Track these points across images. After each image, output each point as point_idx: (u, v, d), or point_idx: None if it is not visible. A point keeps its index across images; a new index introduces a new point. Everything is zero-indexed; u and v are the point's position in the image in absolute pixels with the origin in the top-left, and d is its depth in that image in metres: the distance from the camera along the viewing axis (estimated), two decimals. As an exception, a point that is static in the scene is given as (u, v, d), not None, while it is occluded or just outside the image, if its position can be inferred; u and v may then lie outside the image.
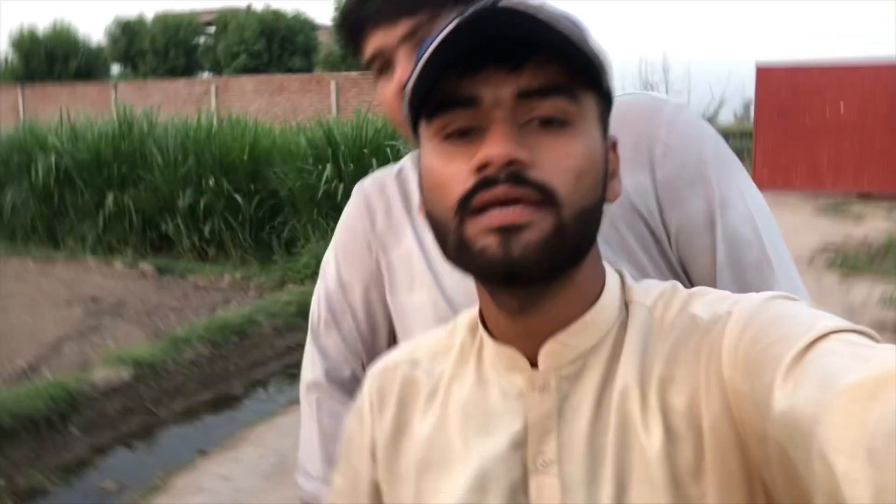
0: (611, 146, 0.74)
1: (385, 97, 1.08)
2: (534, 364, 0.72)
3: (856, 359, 0.54)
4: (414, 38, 1.01)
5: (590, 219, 0.68)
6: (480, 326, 0.78)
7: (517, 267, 0.64)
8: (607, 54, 0.69)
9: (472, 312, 0.81)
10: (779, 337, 0.60)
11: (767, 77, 14.40)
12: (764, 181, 14.73)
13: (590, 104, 0.69)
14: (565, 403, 0.71)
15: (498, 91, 0.65)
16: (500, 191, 0.64)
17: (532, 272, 0.65)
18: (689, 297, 0.72)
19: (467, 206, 0.65)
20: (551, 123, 0.66)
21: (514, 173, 0.64)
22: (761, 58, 14.99)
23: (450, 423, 0.76)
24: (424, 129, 0.70)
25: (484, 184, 0.64)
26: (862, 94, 13.86)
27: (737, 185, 1.01)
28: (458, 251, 0.67)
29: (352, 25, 1.07)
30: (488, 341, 0.76)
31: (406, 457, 0.79)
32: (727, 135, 32.96)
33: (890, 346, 0.56)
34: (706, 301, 0.71)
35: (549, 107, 0.66)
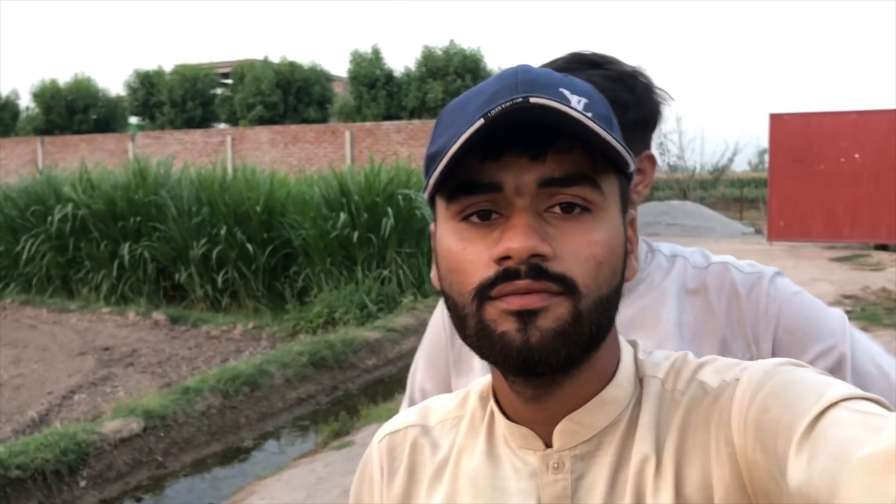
0: (629, 222, 0.73)
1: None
2: (547, 443, 0.71)
3: (868, 428, 0.53)
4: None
5: (608, 305, 0.67)
6: (493, 402, 0.76)
7: (535, 354, 0.64)
8: (631, 155, 0.69)
9: (484, 382, 0.79)
10: (789, 404, 0.59)
11: (781, 125, 14.43)
12: (780, 230, 14.68)
13: (612, 188, 0.68)
14: (580, 483, 0.70)
15: (519, 178, 0.65)
16: (521, 284, 0.63)
17: (550, 361, 0.64)
18: (698, 365, 0.72)
19: (486, 294, 0.65)
20: (573, 209, 0.66)
21: (536, 266, 0.63)
22: (776, 108, 15.05)
23: (460, 497, 0.75)
24: (442, 207, 0.69)
25: (505, 276, 0.64)
26: (876, 141, 13.85)
27: (843, 334, 1.09)
28: (478, 335, 0.66)
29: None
30: (501, 418, 0.75)
31: None
32: (742, 183, 32.99)
33: None
34: (715, 368, 0.70)
35: (571, 195, 0.65)
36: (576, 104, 0.64)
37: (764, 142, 16.11)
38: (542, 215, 0.65)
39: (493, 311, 0.64)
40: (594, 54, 1.13)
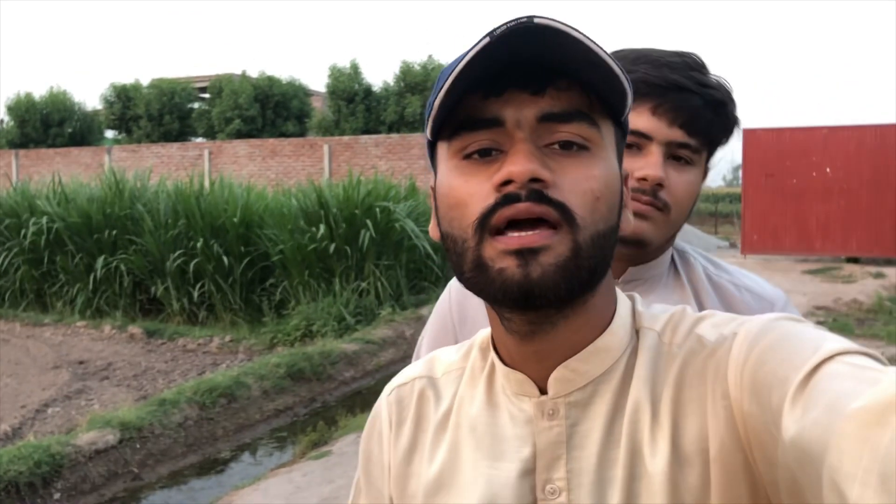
0: (625, 178, 0.75)
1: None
2: (543, 390, 0.72)
3: (863, 382, 0.53)
4: None
5: (605, 243, 0.68)
6: (492, 349, 0.78)
7: (536, 288, 0.64)
8: (630, 85, 0.70)
9: (485, 334, 0.80)
10: (785, 357, 0.60)
11: (754, 139, 14.62)
12: (754, 244, 14.84)
13: (608, 132, 0.70)
14: (574, 430, 0.71)
15: (520, 113, 0.66)
16: (521, 207, 0.64)
17: (549, 295, 0.65)
18: (696, 319, 0.72)
19: (487, 224, 0.65)
20: (571, 147, 0.67)
21: (536, 191, 0.64)
22: (750, 123, 15.26)
23: (461, 446, 0.76)
24: (444, 149, 0.71)
25: (506, 200, 0.65)
26: (846, 156, 14.08)
27: None
28: (475, 271, 0.67)
29: None
30: (499, 365, 0.76)
31: (417, 477, 0.79)
32: (717, 198, 33.24)
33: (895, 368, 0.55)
34: (713, 322, 0.71)
35: (570, 131, 0.67)
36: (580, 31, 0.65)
37: (738, 158, 16.30)
38: (543, 149, 0.67)
39: (491, 250, 0.65)
40: (698, 64, 1.13)
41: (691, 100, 1.09)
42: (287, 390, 6.84)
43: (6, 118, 26.17)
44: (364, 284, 9.36)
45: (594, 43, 0.64)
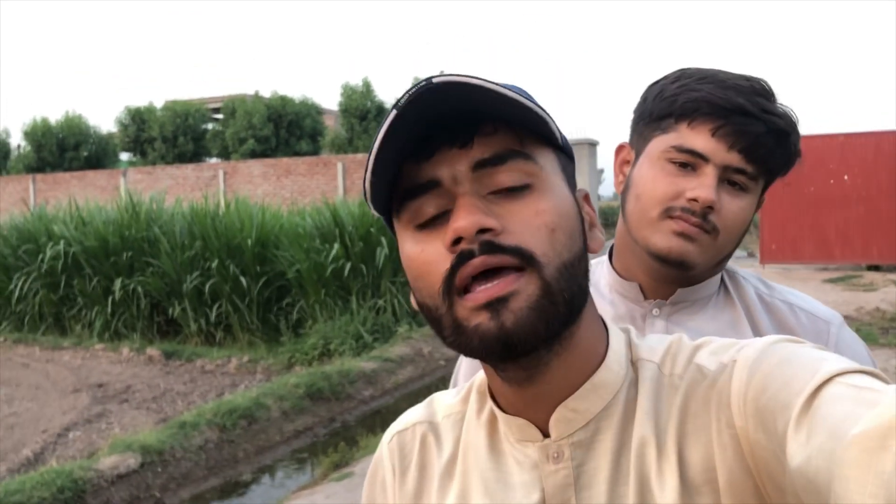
0: (583, 198, 0.74)
1: None
2: (546, 433, 0.71)
3: (862, 404, 0.53)
4: None
5: (575, 271, 0.67)
6: (489, 398, 0.77)
7: (514, 336, 0.63)
8: (548, 112, 0.71)
9: (482, 377, 0.79)
10: (785, 382, 0.60)
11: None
12: (773, 253, 14.73)
13: (548, 160, 0.69)
14: (581, 471, 0.70)
15: (454, 169, 0.66)
16: (477, 262, 0.64)
17: (529, 339, 0.64)
18: (694, 347, 0.72)
19: (452, 287, 0.65)
20: (514, 190, 0.66)
21: (487, 242, 0.64)
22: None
23: (470, 493, 0.76)
24: (398, 223, 0.71)
25: (461, 259, 0.64)
26: (864, 163, 13.96)
27: None
28: (454, 335, 0.67)
29: None
30: (498, 413, 0.75)
31: None
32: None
33: (894, 387, 0.55)
34: (711, 350, 0.70)
35: (507, 172, 0.66)
36: (496, 87, 0.65)
37: (753, 166, 16.18)
38: (487, 198, 0.66)
39: (463, 310, 0.65)
40: (765, 90, 1.10)
41: (754, 126, 1.05)
42: (307, 410, 6.81)
43: (23, 143, 26.44)
44: (381, 302, 9.34)
45: (496, 85, 0.63)
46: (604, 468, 0.69)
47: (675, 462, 0.66)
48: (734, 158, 1.06)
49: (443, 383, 7.65)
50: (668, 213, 1.08)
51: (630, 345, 0.74)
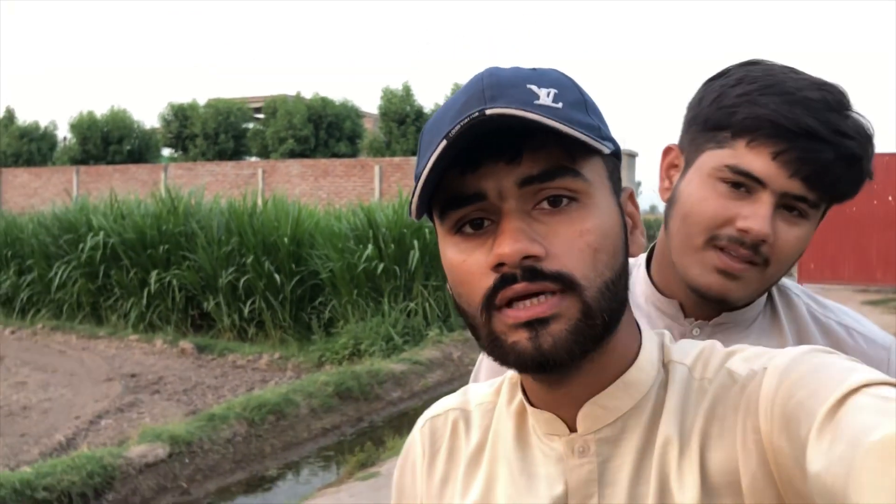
0: (628, 197, 0.73)
1: None
2: (573, 428, 0.72)
3: (885, 414, 0.53)
4: None
5: (616, 287, 0.68)
6: (520, 390, 0.77)
7: (549, 359, 0.65)
8: (600, 116, 0.70)
9: (514, 373, 0.80)
10: (813, 390, 0.60)
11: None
12: (811, 273, 14.49)
13: (596, 171, 0.69)
14: (606, 467, 0.71)
15: (500, 184, 0.65)
16: (518, 288, 0.64)
17: (564, 360, 0.65)
18: (727, 353, 0.72)
19: (492, 304, 0.66)
20: (560, 202, 0.66)
21: (529, 268, 0.64)
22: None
23: (496, 481, 0.76)
24: (439, 225, 0.71)
25: (503, 282, 0.65)
26: (909, 184, 13.68)
27: None
28: (490, 345, 0.68)
29: None
30: (527, 406, 0.76)
31: None
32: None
33: None
34: (744, 357, 0.70)
35: (555, 189, 0.66)
36: (545, 98, 0.66)
37: (794, 183, 15.93)
38: (531, 214, 0.66)
39: (500, 324, 0.66)
40: (840, 93, 0.98)
41: (823, 152, 0.94)
42: (335, 409, 6.83)
43: (69, 135, 26.96)
44: (412, 305, 9.36)
45: (549, 119, 0.62)
46: (627, 466, 0.69)
47: (697, 463, 0.66)
48: (795, 186, 0.95)
49: (471, 388, 7.63)
50: (713, 242, 0.97)
51: (662, 347, 0.75)
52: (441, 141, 0.63)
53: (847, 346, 1.06)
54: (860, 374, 0.59)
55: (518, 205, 0.65)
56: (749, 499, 0.64)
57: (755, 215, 0.95)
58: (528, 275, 0.64)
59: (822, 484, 0.54)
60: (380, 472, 5.32)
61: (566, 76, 0.71)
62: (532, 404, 0.75)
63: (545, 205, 0.66)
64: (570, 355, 0.65)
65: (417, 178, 0.68)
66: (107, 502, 4.76)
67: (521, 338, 0.65)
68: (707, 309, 1.06)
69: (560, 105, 0.66)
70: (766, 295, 1.09)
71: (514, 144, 0.65)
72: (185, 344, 9.46)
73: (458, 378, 8.19)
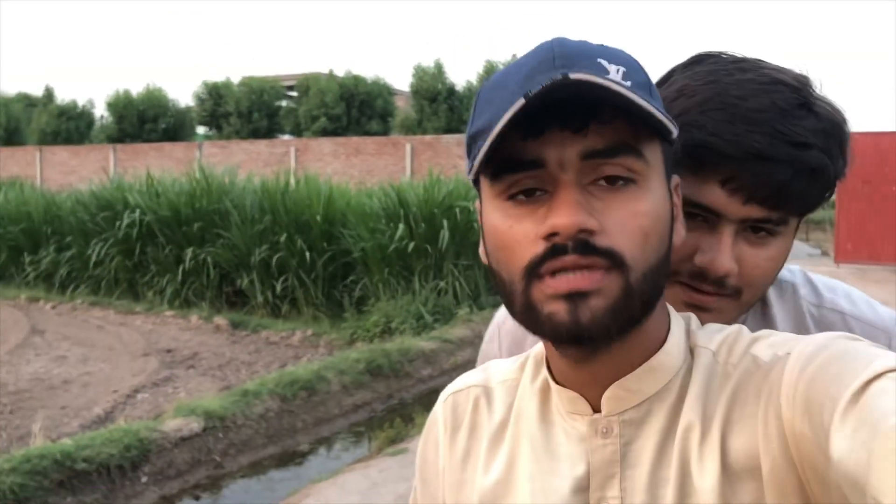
0: (674, 187, 0.73)
1: None
2: (596, 408, 0.72)
3: None
4: None
5: (658, 273, 0.67)
6: (545, 369, 0.77)
7: (585, 332, 0.64)
8: (661, 102, 0.69)
9: (540, 348, 0.80)
10: (836, 375, 0.59)
11: (851, 144, 14.01)
12: (848, 253, 14.28)
13: (656, 155, 0.68)
14: (629, 449, 0.71)
15: (562, 153, 0.64)
16: (568, 260, 0.64)
17: (600, 337, 0.65)
18: (752, 339, 0.71)
19: (535, 272, 0.65)
20: (617, 181, 0.65)
21: (583, 241, 0.63)
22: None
23: (518, 458, 0.77)
24: (487, 186, 0.70)
25: (553, 253, 0.64)
26: (951, 163, 13.39)
27: None
28: (525, 313, 0.67)
29: None
30: (552, 384, 0.76)
31: (471, 485, 0.79)
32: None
33: None
34: (769, 343, 0.70)
35: (615, 166, 0.65)
36: (615, 74, 0.65)
37: (832, 161, 15.63)
38: (587, 188, 0.65)
39: (539, 293, 0.65)
40: (798, 80, 0.88)
41: (777, 172, 0.84)
42: (365, 386, 6.92)
43: (106, 114, 27.32)
44: (443, 284, 9.40)
45: (631, 90, 0.62)
46: (649, 449, 0.69)
47: (718, 448, 0.66)
48: (754, 210, 0.86)
49: (501, 367, 7.67)
50: (676, 277, 0.88)
51: (689, 332, 0.74)
52: (519, 98, 0.61)
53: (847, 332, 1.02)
54: (885, 359, 0.58)
55: (577, 177, 0.65)
56: (770, 485, 0.63)
57: (712, 250, 0.87)
58: (580, 247, 0.63)
59: (844, 469, 0.54)
60: (409, 448, 5.39)
61: (634, 57, 0.70)
62: (557, 382, 0.75)
63: (602, 182, 0.65)
64: (605, 332, 0.64)
65: (475, 137, 0.68)
66: (143, 475, 4.89)
67: (559, 308, 0.64)
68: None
69: (629, 83, 0.65)
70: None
71: (583, 115, 0.63)
72: (220, 320, 9.61)
73: (487, 356, 8.23)
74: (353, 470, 5.12)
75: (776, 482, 0.63)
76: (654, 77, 0.93)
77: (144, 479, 4.87)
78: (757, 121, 0.84)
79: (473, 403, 0.82)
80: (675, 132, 0.67)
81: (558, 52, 0.66)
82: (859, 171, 14.01)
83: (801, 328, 1.01)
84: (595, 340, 0.65)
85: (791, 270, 1.06)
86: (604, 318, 0.64)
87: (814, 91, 0.89)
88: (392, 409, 6.78)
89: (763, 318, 1.03)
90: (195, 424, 5.37)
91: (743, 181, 0.85)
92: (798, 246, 19.51)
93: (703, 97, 0.87)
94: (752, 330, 1.04)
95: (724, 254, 0.86)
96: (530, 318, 0.67)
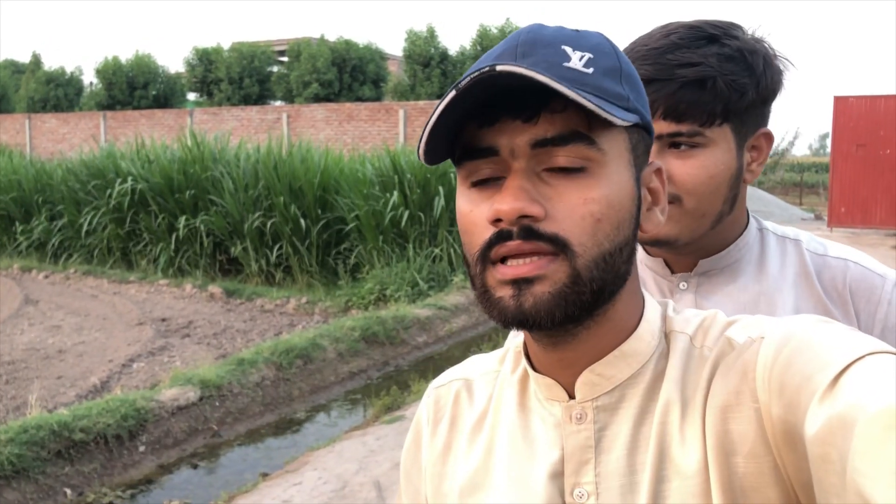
0: (654, 172, 0.73)
1: None
2: (572, 395, 0.73)
3: (886, 383, 0.53)
4: None
5: (613, 260, 0.67)
6: (525, 359, 0.79)
7: (529, 318, 0.66)
8: (636, 86, 0.68)
9: (520, 339, 0.81)
10: (812, 358, 0.60)
11: (845, 108, 14.00)
12: (841, 217, 14.31)
13: (615, 142, 0.67)
14: (603, 434, 0.71)
15: (513, 141, 0.66)
16: (512, 245, 0.65)
17: (543, 322, 0.66)
18: (727, 323, 0.72)
19: (487, 256, 0.67)
20: (569, 171, 0.66)
21: (526, 227, 0.65)
22: (840, 90, 14.64)
23: (496, 447, 0.78)
24: (457, 172, 0.72)
25: (498, 238, 0.66)
26: (945, 126, 13.37)
27: None
28: (481, 297, 0.69)
29: None
30: (530, 371, 0.77)
31: (451, 477, 0.81)
32: (802, 167, 32.12)
33: None
34: (743, 325, 0.71)
35: (566, 155, 0.65)
36: (575, 61, 0.65)
37: (825, 126, 15.67)
38: (540, 175, 0.66)
39: (492, 279, 0.67)
40: (715, 25, 1.04)
41: (663, 88, 1.00)
42: (361, 353, 6.94)
43: (95, 81, 27.02)
44: (437, 251, 9.40)
45: (560, 82, 0.61)
46: (624, 434, 0.70)
47: (699, 431, 0.67)
48: (662, 126, 1.01)
49: (495, 333, 7.70)
50: None
51: (665, 318, 0.75)
52: (451, 91, 0.63)
53: (841, 277, 1.08)
54: (863, 343, 0.59)
55: (527, 165, 0.66)
56: (746, 467, 0.65)
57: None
58: (523, 233, 0.65)
59: (821, 451, 0.55)
60: (405, 415, 5.42)
61: (608, 41, 0.70)
62: (535, 370, 0.76)
63: (555, 170, 0.66)
64: (549, 317, 0.65)
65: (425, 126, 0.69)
66: (140, 444, 4.91)
67: (505, 294, 0.66)
68: (687, 261, 1.11)
69: (591, 70, 0.65)
70: (748, 242, 1.12)
71: (533, 104, 0.65)
72: (214, 288, 9.61)
73: (482, 323, 8.26)
74: (349, 437, 5.15)
75: (753, 464, 0.64)
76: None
77: (142, 449, 4.89)
78: (649, 56, 1.01)
79: (454, 397, 0.84)
80: (620, 121, 0.64)
81: (523, 41, 0.66)
82: (853, 135, 14.01)
83: (804, 276, 1.09)
84: (540, 326, 0.66)
85: (799, 232, 1.15)
86: (548, 304, 0.65)
87: (734, 32, 1.03)
88: (388, 377, 6.81)
89: (760, 267, 1.11)
90: (192, 393, 5.38)
91: None
92: (791, 210, 19.55)
93: (632, 51, 1.04)
94: (751, 280, 1.10)
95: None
96: (484, 302, 0.69)
